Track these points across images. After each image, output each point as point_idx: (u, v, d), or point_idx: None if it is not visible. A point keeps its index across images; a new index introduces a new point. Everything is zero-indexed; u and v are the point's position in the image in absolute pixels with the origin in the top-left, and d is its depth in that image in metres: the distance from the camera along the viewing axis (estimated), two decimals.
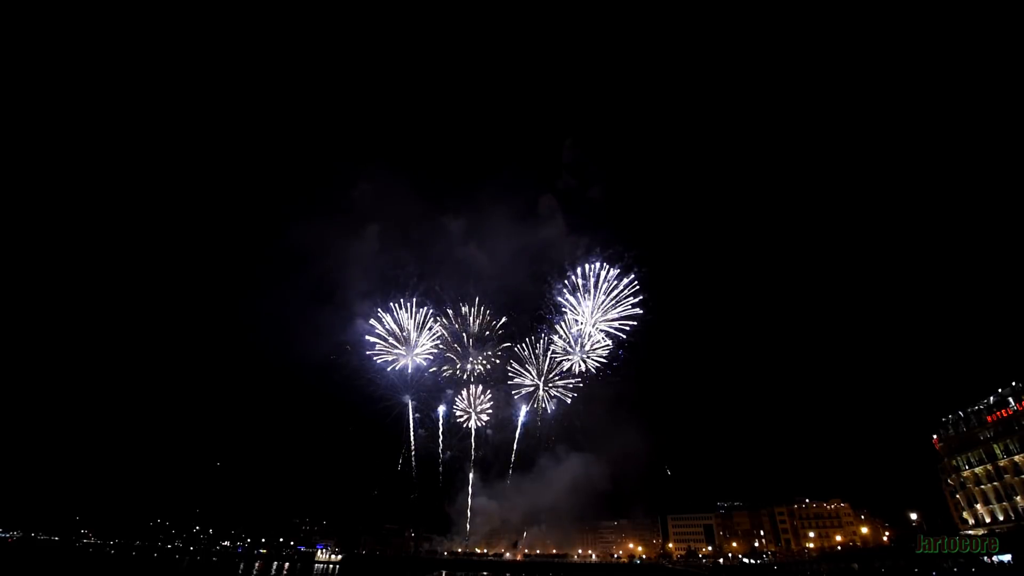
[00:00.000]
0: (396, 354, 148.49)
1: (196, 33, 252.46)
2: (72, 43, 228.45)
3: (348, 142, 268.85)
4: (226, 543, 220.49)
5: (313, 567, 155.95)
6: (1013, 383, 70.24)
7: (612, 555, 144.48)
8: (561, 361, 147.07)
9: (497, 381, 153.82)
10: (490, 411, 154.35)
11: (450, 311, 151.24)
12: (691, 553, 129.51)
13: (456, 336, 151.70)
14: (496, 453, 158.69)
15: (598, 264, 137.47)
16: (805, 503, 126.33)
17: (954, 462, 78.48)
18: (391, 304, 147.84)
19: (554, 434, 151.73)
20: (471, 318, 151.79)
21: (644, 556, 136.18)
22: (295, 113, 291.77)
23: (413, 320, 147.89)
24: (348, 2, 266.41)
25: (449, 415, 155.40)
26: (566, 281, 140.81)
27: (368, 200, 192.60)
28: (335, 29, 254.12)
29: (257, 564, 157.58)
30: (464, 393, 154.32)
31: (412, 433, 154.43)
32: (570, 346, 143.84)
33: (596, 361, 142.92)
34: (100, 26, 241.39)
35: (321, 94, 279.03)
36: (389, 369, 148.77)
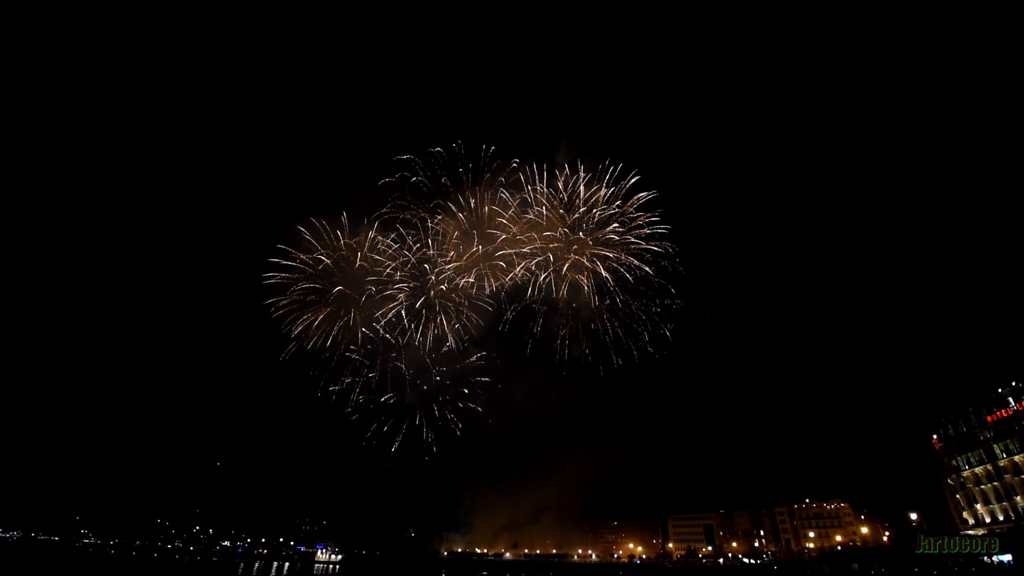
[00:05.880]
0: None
1: (200, 37, 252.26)
2: (75, 43, 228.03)
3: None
4: (226, 543, 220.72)
5: (313, 567, 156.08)
6: (1013, 383, 70.27)
7: (612, 555, 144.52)
8: None
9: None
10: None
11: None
12: (691, 553, 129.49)
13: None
14: (499, 450, 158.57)
15: None
16: (805, 503, 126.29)
17: (954, 462, 78.55)
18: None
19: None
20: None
21: (644, 556, 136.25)
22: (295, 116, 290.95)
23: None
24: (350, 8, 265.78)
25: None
26: None
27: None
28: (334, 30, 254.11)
29: (257, 564, 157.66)
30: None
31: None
32: None
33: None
34: (105, 27, 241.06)
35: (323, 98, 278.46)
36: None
